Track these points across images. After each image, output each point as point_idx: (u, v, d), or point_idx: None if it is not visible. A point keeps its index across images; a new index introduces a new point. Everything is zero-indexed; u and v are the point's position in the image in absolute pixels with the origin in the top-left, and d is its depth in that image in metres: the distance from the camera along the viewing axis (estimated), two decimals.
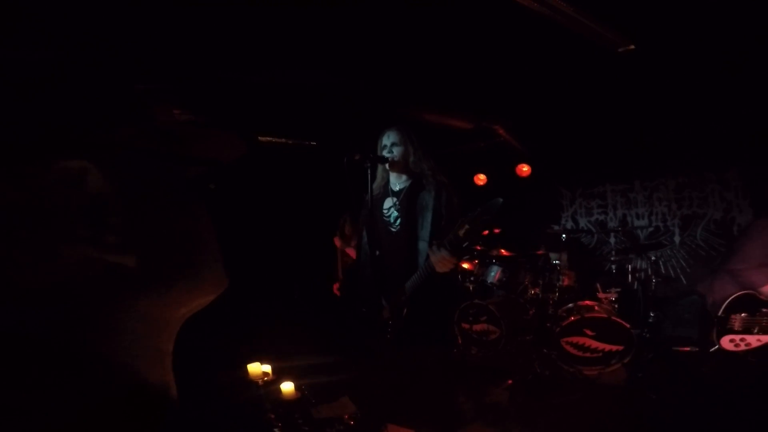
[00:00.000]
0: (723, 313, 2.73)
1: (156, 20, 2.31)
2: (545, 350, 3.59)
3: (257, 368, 2.65)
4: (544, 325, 3.73)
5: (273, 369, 2.65)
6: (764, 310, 2.63)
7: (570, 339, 3.54)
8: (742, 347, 2.59)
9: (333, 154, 2.43)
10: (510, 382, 3.31)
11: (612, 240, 4.94)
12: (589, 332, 3.51)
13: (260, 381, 2.59)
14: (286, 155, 4.41)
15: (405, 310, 2.23)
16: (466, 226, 1.90)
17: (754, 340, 2.59)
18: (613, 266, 4.26)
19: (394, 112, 3.82)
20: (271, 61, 2.97)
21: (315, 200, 3.93)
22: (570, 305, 3.74)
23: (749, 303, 2.69)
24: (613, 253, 4.41)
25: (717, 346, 2.69)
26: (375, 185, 2.42)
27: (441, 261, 2.01)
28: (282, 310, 3.52)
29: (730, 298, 2.74)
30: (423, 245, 2.21)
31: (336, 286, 2.64)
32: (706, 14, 2.51)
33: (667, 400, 2.73)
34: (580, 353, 3.51)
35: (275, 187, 3.93)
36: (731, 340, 2.63)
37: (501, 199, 1.83)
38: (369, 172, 2.22)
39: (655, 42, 2.84)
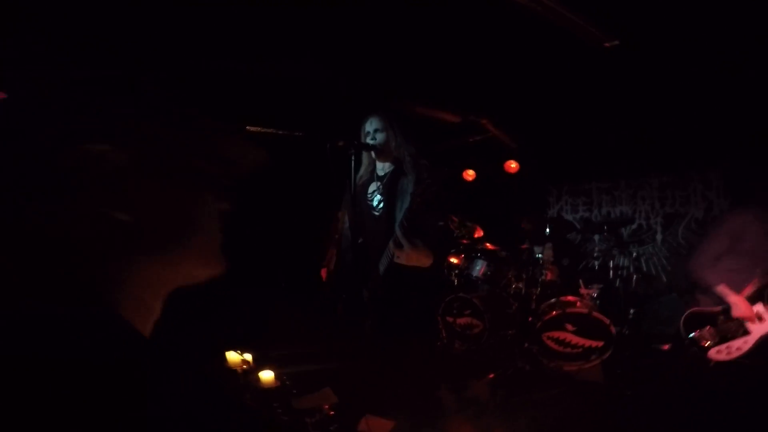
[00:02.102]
0: (686, 335, 2.68)
1: (142, 11, 2.26)
2: (527, 345, 3.63)
3: (236, 357, 2.63)
4: (527, 319, 3.76)
5: (254, 357, 2.63)
6: (721, 317, 2.61)
7: (551, 334, 3.58)
8: (735, 354, 2.53)
9: (320, 143, 2.41)
10: (492, 376, 3.34)
11: (596, 237, 5.00)
12: (570, 327, 3.55)
13: (239, 369, 2.58)
14: (274, 145, 4.36)
15: (380, 291, 2.24)
16: (417, 201, 1.95)
17: (741, 343, 2.54)
18: (596, 262, 4.32)
19: (382, 102, 3.80)
20: (261, 51, 2.93)
21: (302, 190, 3.90)
22: (552, 300, 3.77)
23: (703, 317, 2.66)
24: (597, 250, 4.46)
25: (711, 362, 2.60)
26: (362, 171, 2.43)
27: (396, 248, 2.04)
28: (268, 299, 3.50)
29: (682, 321, 2.72)
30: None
31: (324, 272, 2.64)
32: (694, 15, 2.52)
33: (644, 397, 2.78)
34: (560, 348, 3.55)
35: (263, 176, 3.88)
36: (718, 351, 2.58)
37: (446, 168, 1.89)
38: (353, 158, 2.22)
39: (641, 41, 2.86)
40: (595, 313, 3.50)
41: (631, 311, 3.85)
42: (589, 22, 2.57)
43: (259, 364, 2.51)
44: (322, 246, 2.75)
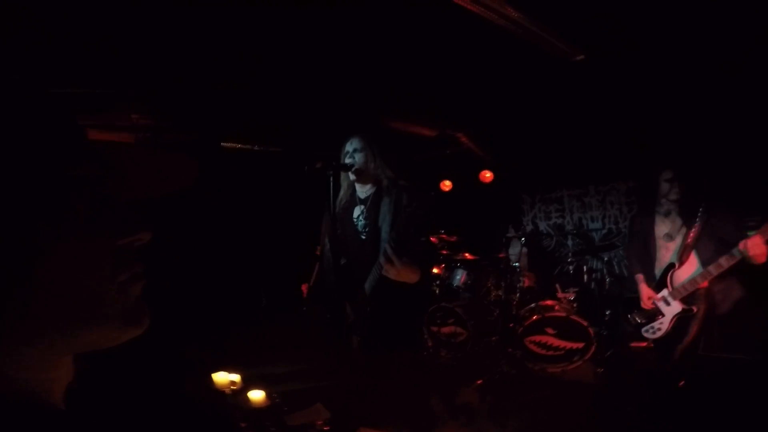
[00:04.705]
0: (623, 316, 3.16)
1: (116, 24, 2.24)
2: (510, 350, 3.69)
3: (224, 378, 2.57)
4: (508, 325, 3.84)
5: (242, 377, 2.57)
6: (641, 305, 2.99)
7: (533, 338, 3.66)
8: (659, 333, 2.86)
9: (299, 160, 2.42)
10: (480, 382, 3.38)
11: (569, 242, 5.17)
12: (550, 331, 3.64)
13: (227, 390, 2.52)
14: (251, 161, 4.34)
15: (368, 309, 2.24)
16: (405, 222, 1.97)
17: (659, 324, 2.88)
18: (571, 267, 4.46)
19: (360, 119, 3.85)
20: (237, 66, 2.93)
21: (281, 206, 3.88)
22: (532, 305, 3.87)
23: (632, 302, 3.07)
24: (571, 254, 4.61)
25: (648, 341, 3.00)
26: (342, 193, 2.42)
27: (387, 263, 2.06)
28: (249, 317, 3.44)
29: (620, 304, 3.21)
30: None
31: (305, 287, 2.62)
32: (656, 25, 2.69)
33: (626, 393, 2.87)
34: (543, 351, 3.64)
35: (240, 193, 3.84)
36: (646, 331, 2.94)
37: (433, 192, 1.93)
38: (331, 180, 2.22)
39: (605, 56, 3.03)
40: (573, 316, 3.61)
41: (607, 312, 3.98)
42: (557, 37, 2.70)
43: (248, 383, 2.46)
44: (304, 264, 2.74)
